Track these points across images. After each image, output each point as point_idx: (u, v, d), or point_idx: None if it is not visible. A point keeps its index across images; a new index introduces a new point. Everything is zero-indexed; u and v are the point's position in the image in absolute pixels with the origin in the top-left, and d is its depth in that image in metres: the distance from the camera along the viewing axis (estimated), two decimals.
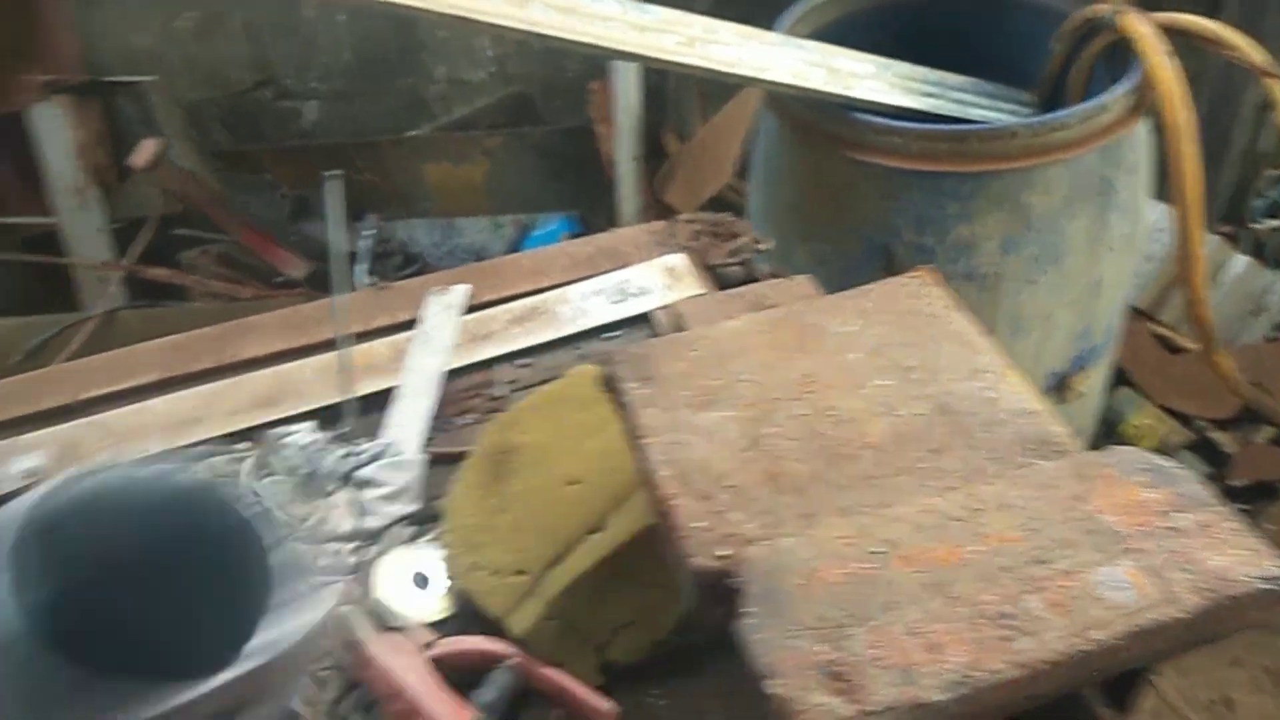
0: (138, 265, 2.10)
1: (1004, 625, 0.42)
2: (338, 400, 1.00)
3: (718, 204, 2.18)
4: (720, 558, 0.53)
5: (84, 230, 2.18)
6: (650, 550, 0.76)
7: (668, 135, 2.44)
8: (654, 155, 2.41)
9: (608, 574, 0.76)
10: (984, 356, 0.62)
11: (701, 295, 0.75)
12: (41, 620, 0.29)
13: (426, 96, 2.56)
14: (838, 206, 1.58)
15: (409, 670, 0.73)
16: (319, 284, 2.39)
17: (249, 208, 2.38)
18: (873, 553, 0.45)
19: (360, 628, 0.75)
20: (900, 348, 0.64)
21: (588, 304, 1.08)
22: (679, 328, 0.73)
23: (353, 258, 2.48)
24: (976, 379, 0.60)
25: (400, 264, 2.60)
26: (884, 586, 0.44)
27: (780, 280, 0.74)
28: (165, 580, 0.30)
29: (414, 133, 2.57)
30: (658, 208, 2.36)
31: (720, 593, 0.53)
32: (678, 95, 2.42)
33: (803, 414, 0.60)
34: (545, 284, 1.12)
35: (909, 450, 0.56)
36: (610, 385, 0.65)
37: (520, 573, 0.79)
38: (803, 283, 0.73)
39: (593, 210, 2.62)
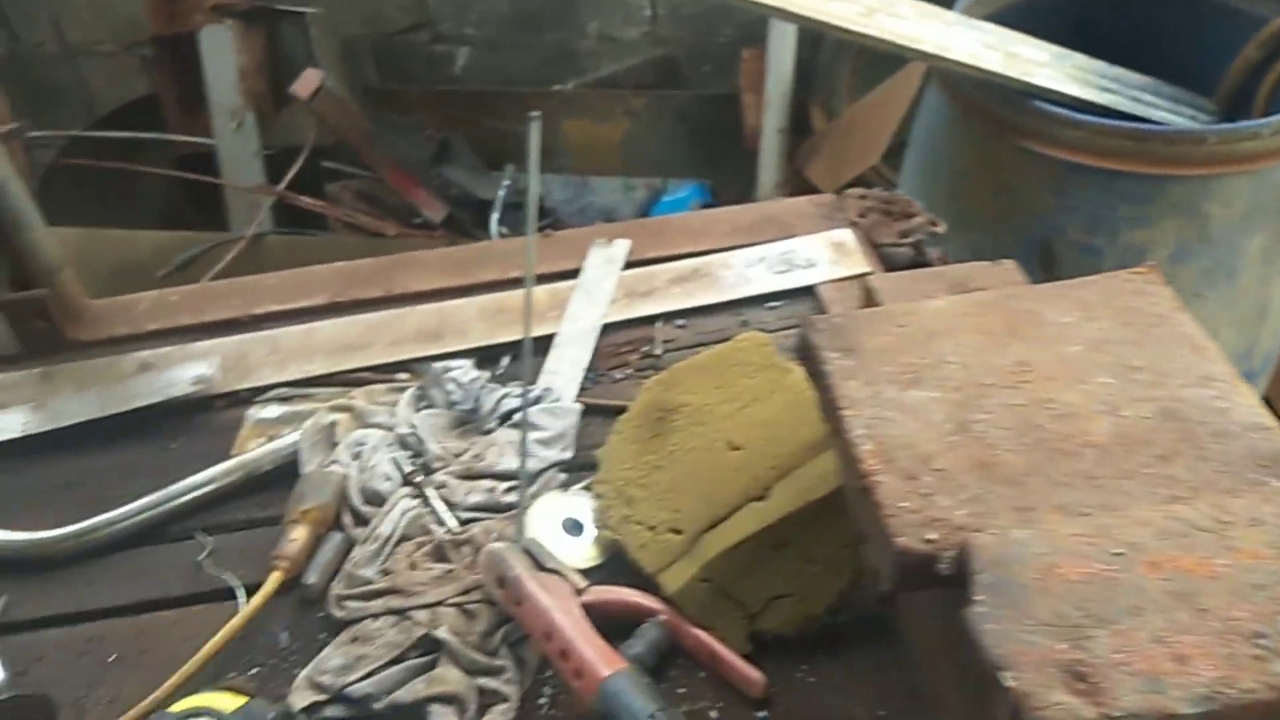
0: (288, 193, 2.15)
1: (1258, 644, 0.40)
2: (507, 341, 1.01)
3: (860, 185, 2.13)
4: (928, 541, 0.51)
5: (239, 154, 2.24)
6: (815, 525, 0.75)
7: (815, 110, 2.40)
8: (797, 130, 2.37)
9: (768, 544, 0.75)
10: (1214, 364, 0.58)
11: (896, 272, 0.73)
12: None
13: (576, 51, 2.56)
14: (1002, 197, 1.53)
15: (563, 612, 0.73)
16: (455, 228, 2.43)
17: (394, 147, 2.43)
18: (1115, 554, 0.43)
19: (516, 565, 0.76)
20: (1124, 345, 0.60)
21: (750, 271, 1.06)
22: (871, 303, 0.71)
23: (488, 206, 2.51)
24: (1207, 386, 0.57)
25: None
26: (1128, 591, 0.41)
27: (983, 264, 0.72)
28: None
29: (559, 87, 2.58)
30: (797, 183, 2.32)
31: (922, 577, 0.52)
32: (829, 70, 2.36)
33: (1017, 404, 0.58)
34: (707, 246, 1.11)
35: (1135, 453, 0.53)
36: (807, 353, 0.63)
37: (676, 531, 0.79)
38: (1009, 269, 0.71)
39: (726, 181, 2.59)
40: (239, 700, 0.72)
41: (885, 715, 0.71)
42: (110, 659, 0.80)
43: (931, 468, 0.55)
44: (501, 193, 2.47)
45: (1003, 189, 1.52)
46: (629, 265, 1.09)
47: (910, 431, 0.57)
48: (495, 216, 2.44)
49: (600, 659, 0.71)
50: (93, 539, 0.87)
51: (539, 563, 0.78)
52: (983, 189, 1.55)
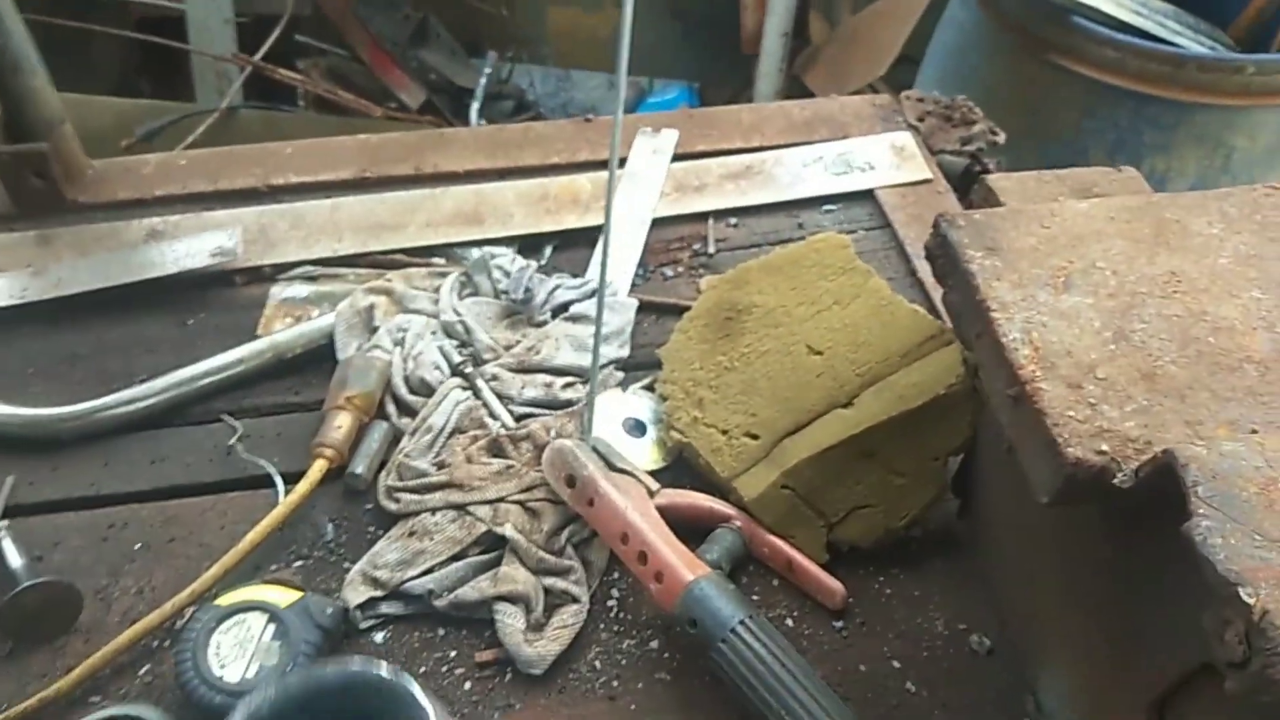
0: (264, 64, 2.01)
1: None
2: (551, 230, 0.95)
3: None
4: (1100, 453, 0.48)
5: (209, 20, 2.09)
6: (904, 436, 0.72)
7: (814, 17, 2.32)
8: (795, 35, 2.29)
9: (854, 453, 0.72)
10: None
11: (1018, 174, 0.68)
12: None
13: None
14: (1027, 116, 1.49)
15: (640, 514, 0.70)
16: (431, 113, 2.32)
17: (373, 23, 2.29)
18: None
19: (588, 463, 0.72)
20: (1273, 261, 0.58)
21: (806, 171, 1.01)
22: (990, 204, 0.67)
23: (466, 94, 2.40)
24: None
25: (511, 110, 2.51)
26: None
27: (1106, 170, 0.68)
28: None
29: None
30: (796, 92, 2.26)
31: (1093, 489, 0.49)
32: None
33: (1174, 314, 0.55)
34: (759, 143, 1.05)
35: None
36: (944, 251, 0.59)
37: (752, 436, 0.75)
38: (1133, 177, 0.67)
39: (718, 84, 2.51)
40: (290, 594, 0.68)
41: (965, 628, 0.70)
42: (135, 547, 0.74)
43: (1095, 377, 0.52)
44: (482, 81, 2.35)
45: (1029, 108, 1.49)
46: (676, 158, 1.03)
47: (1069, 338, 0.54)
48: (475, 106, 2.33)
49: (683, 563, 0.67)
50: (105, 417, 0.80)
51: (609, 462, 0.74)
52: (1009, 107, 1.50)
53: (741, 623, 0.64)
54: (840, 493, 0.72)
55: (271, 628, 0.65)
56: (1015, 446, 0.53)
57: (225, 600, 0.67)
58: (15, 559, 0.71)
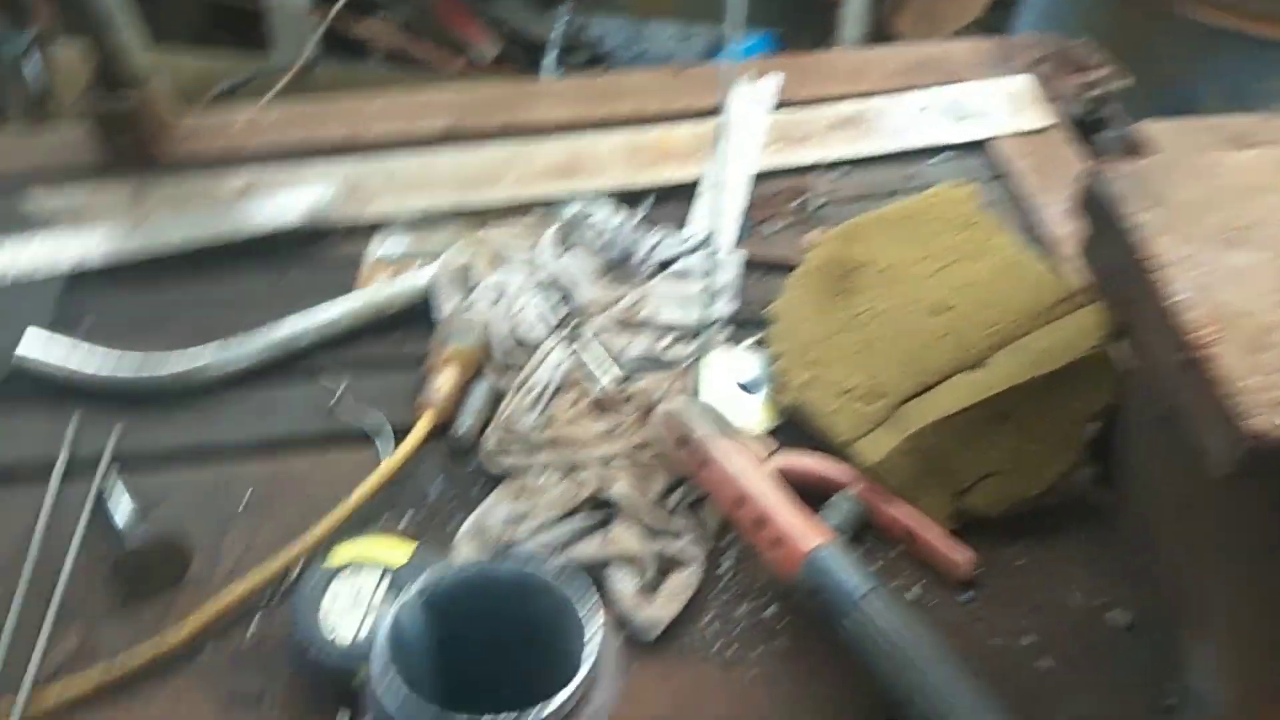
0: (342, 17, 1.99)
1: None
2: (648, 183, 0.92)
3: None
4: None
5: None
6: (1041, 400, 0.68)
7: None
8: None
9: (986, 417, 0.68)
10: None
11: (1171, 121, 0.64)
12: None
13: None
14: (1136, 61, 1.41)
15: (756, 478, 0.67)
16: (506, 66, 2.28)
17: None
18: None
19: (702, 424, 0.69)
20: None
21: (916, 119, 0.97)
22: (1136, 154, 0.62)
23: (540, 46, 2.36)
24: None
25: (585, 61, 2.46)
26: None
27: (1262, 118, 0.63)
28: (511, 650, 0.36)
29: None
30: (881, 38, 2.18)
31: (1276, 463, 0.45)
32: None
33: None
34: (863, 89, 1.01)
35: None
36: (1099, 204, 0.55)
37: (872, 398, 0.72)
38: None
39: (797, 31, 2.43)
40: (402, 550, 0.66)
41: (1106, 602, 0.66)
42: (242, 501, 0.73)
43: (1276, 341, 0.48)
44: (557, 32, 2.31)
45: (1137, 53, 1.41)
46: (778, 106, 0.99)
47: (1244, 298, 0.49)
48: (550, 57, 2.29)
49: (804, 529, 0.65)
50: (210, 372, 0.80)
51: (722, 423, 0.71)
52: (1115, 52, 1.43)
53: (870, 593, 0.62)
54: (970, 458, 0.69)
55: (385, 585, 0.64)
56: (1183, 415, 0.49)
57: (337, 556, 0.66)
58: (125, 511, 0.71)
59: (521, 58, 2.36)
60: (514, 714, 0.28)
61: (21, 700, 0.63)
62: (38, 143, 0.99)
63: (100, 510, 0.72)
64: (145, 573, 0.68)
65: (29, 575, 0.69)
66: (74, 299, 0.86)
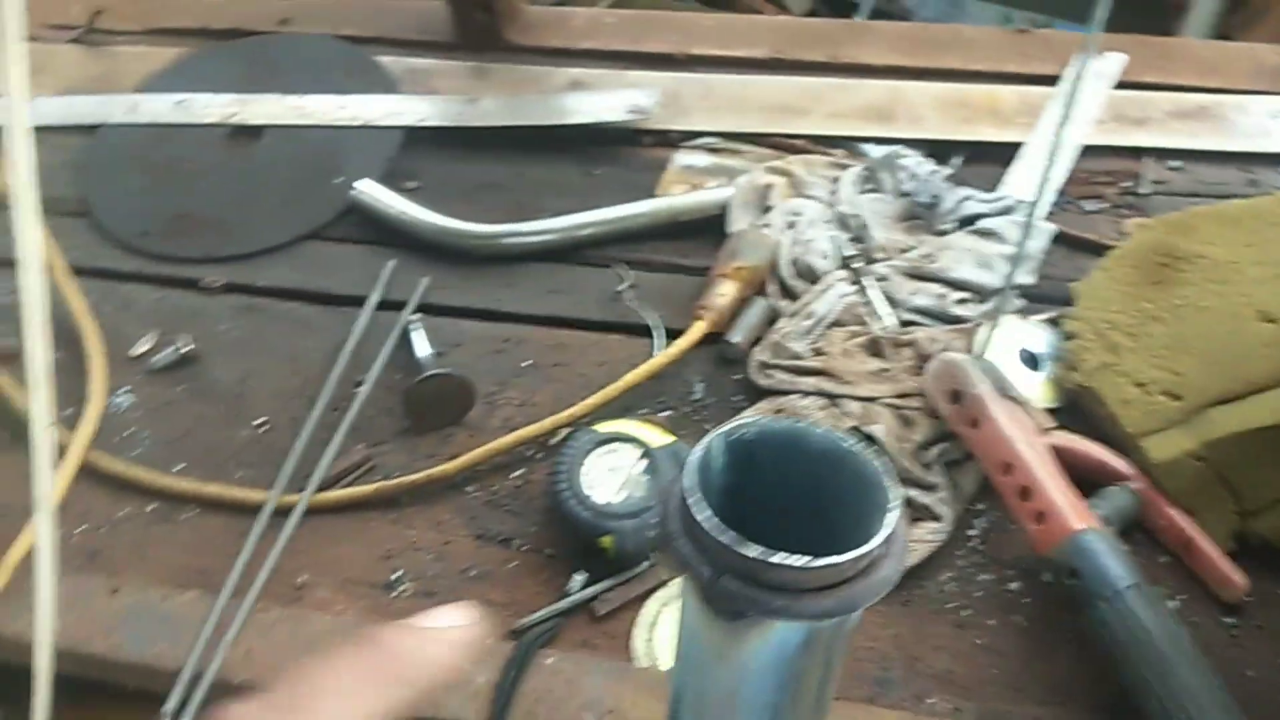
0: None
1: None
2: (964, 140, 0.89)
3: None
4: None
5: None
6: None
7: None
8: None
9: None
10: None
11: None
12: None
13: None
14: None
15: (1029, 447, 0.65)
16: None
17: None
18: None
19: (979, 382, 0.68)
20: None
21: (1274, 124, 0.88)
22: None
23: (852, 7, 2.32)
24: None
25: None
26: None
27: None
28: (797, 516, 0.34)
29: None
30: None
31: None
32: None
33: None
34: (1218, 84, 0.93)
35: None
36: None
37: (1172, 396, 0.68)
38: None
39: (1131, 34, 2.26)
40: (661, 436, 0.69)
41: None
42: (524, 363, 0.79)
43: None
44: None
45: None
46: (1119, 85, 0.93)
47: None
48: (859, 19, 2.25)
49: (1072, 509, 0.62)
50: (513, 243, 0.85)
51: (1001, 386, 0.69)
52: None
53: (1132, 586, 0.59)
54: (1266, 479, 0.63)
55: (643, 462, 0.67)
56: None
57: (601, 427, 0.70)
58: (424, 348, 0.78)
59: (830, 16, 2.34)
60: (806, 558, 0.29)
61: (308, 493, 0.70)
62: (394, 12, 1.08)
63: (402, 345, 0.80)
64: (432, 406, 0.74)
65: (332, 388, 0.77)
66: (406, 158, 0.94)
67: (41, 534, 0.57)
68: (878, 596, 0.34)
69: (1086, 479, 0.67)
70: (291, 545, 0.69)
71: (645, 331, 0.79)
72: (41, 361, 0.62)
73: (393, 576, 0.67)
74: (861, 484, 0.37)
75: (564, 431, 0.73)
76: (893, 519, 0.35)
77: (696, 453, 0.38)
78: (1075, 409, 0.72)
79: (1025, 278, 0.79)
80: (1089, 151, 0.89)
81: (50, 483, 0.60)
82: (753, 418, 0.39)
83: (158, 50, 1.06)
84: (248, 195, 0.91)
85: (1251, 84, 0.92)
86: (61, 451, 0.73)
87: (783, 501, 0.41)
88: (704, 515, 0.32)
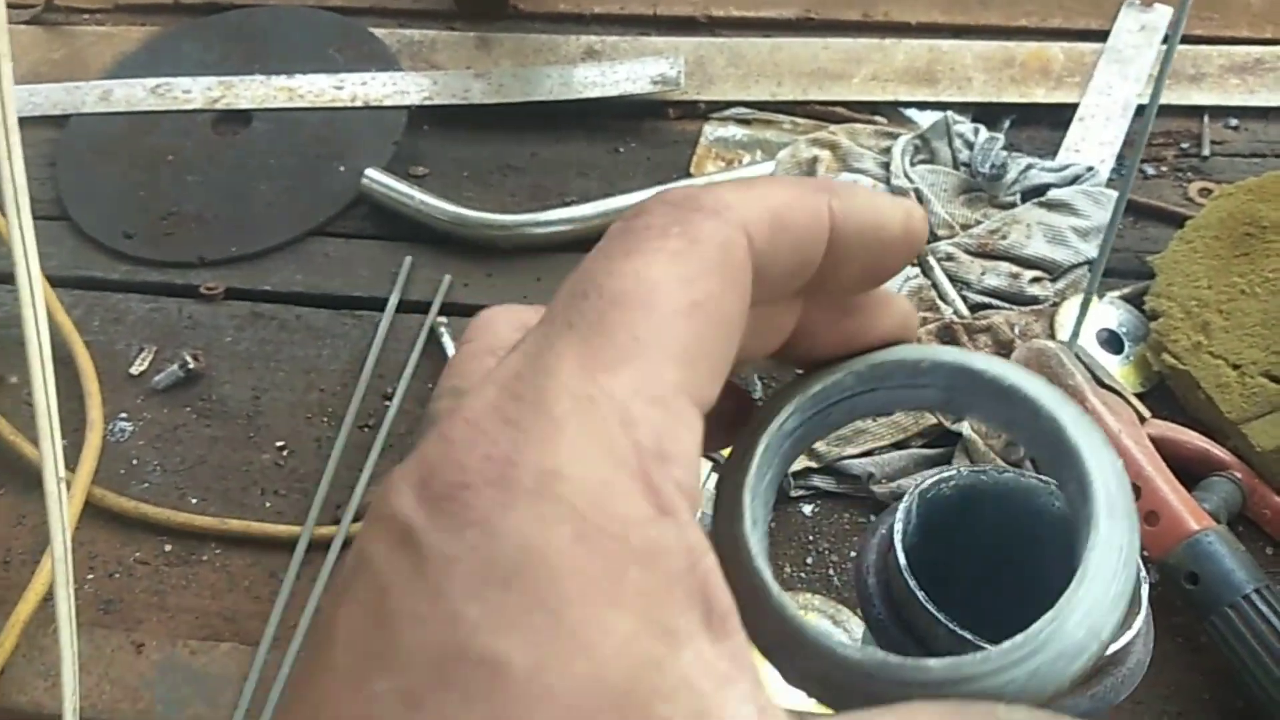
0: None
1: None
2: (1013, 102, 0.84)
3: None
4: None
5: None
6: None
7: None
8: None
9: None
10: None
11: None
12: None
13: None
14: None
15: (1133, 441, 0.61)
16: None
17: None
18: None
19: (1075, 371, 0.63)
20: None
21: None
22: None
23: None
24: None
25: None
26: None
27: None
28: (1007, 567, 0.31)
29: None
30: None
31: None
32: None
33: None
34: (1270, 35, 0.88)
35: None
36: None
37: (1273, 378, 0.63)
38: None
39: None
40: None
41: None
42: None
43: None
44: None
45: None
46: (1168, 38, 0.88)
47: None
48: None
49: (1187, 508, 0.58)
50: (540, 233, 0.79)
51: (1095, 375, 0.64)
52: None
53: (1258, 590, 0.55)
54: None
55: (714, 476, 0.62)
56: None
57: None
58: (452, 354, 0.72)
59: None
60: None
61: (345, 523, 0.64)
62: None
63: (430, 350, 0.73)
64: None
65: (358, 403, 0.70)
66: (411, 142, 0.86)
67: (61, 610, 0.50)
68: (1131, 689, 0.29)
69: (1186, 469, 0.63)
70: (331, 584, 0.63)
71: None
72: (48, 409, 0.55)
73: None
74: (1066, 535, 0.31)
75: None
76: (1143, 596, 0.30)
77: (897, 526, 0.33)
78: (1163, 393, 0.68)
79: (1095, 251, 0.74)
80: (1143, 112, 0.84)
81: (66, 552, 0.53)
82: (949, 472, 0.34)
83: (126, 29, 0.96)
84: (241, 188, 0.83)
85: None
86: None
87: (974, 551, 0.36)
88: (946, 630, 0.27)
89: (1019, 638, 0.19)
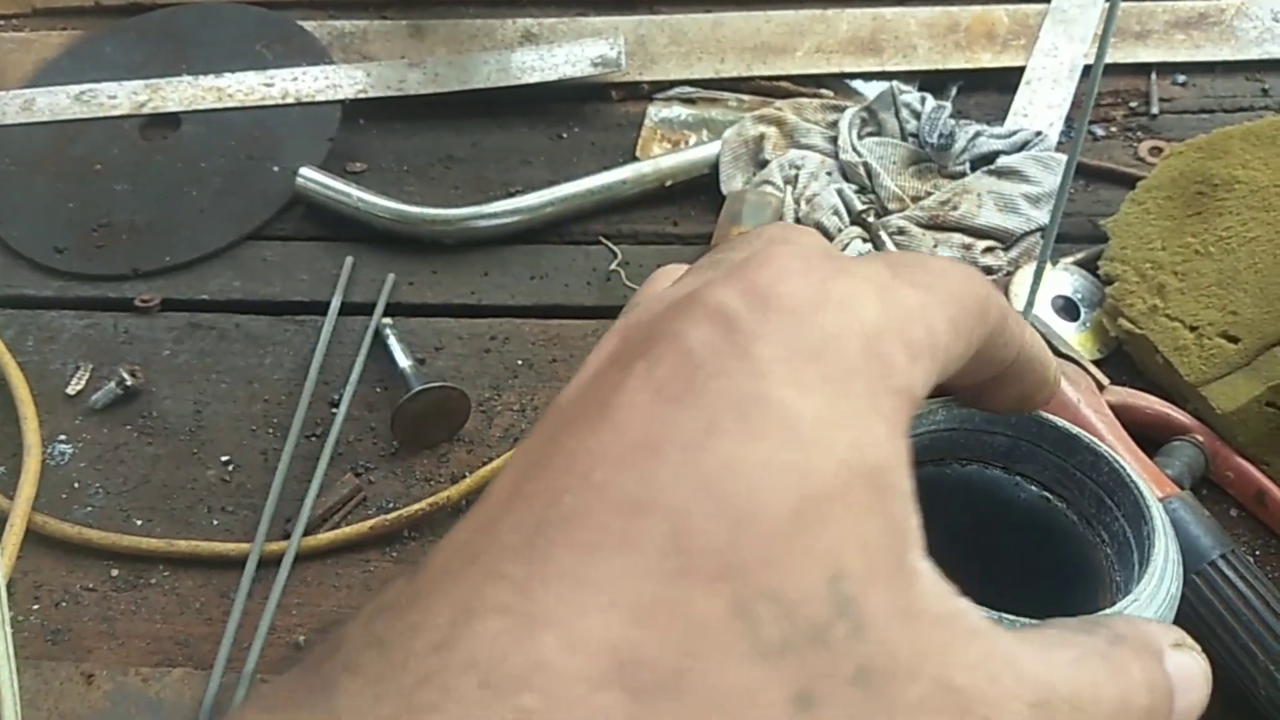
0: None
1: None
2: (958, 68, 0.82)
3: None
4: None
5: None
6: None
7: None
8: None
9: None
10: None
11: None
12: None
13: None
14: None
15: (1093, 410, 0.60)
16: None
17: None
18: None
19: None
20: None
21: (1275, 29, 0.83)
22: None
23: None
24: None
25: None
26: None
27: None
28: (973, 558, 0.28)
29: None
30: None
31: None
32: None
33: None
34: None
35: None
36: None
37: (1230, 338, 0.63)
38: None
39: None
40: None
41: None
42: (518, 362, 0.71)
43: None
44: None
45: None
46: None
47: None
48: None
49: (1148, 476, 0.57)
50: (486, 226, 0.77)
51: (1052, 346, 0.63)
52: None
53: (1223, 556, 0.54)
54: None
55: None
56: None
57: None
58: (403, 359, 0.70)
59: None
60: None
61: (295, 538, 0.62)
62: None
63: (376, 353, 0.71)
64: (423, 423, 0.66)
65: (304, 412, 0.68)
66: (348, 137, 0.84)
67: None
68: None
69: (1146, 435, 0.62)
70: (284, 601, 0.61)
71: None
72: None
73: None
74: (1126, 494, 0.32)
75: None
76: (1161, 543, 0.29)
77: None
78: (1121, 358, 0.67)
79: (1046, 217, 0.73)
80: (1089, 73, 0.83)
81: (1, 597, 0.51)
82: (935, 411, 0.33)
83: (45, 35, 0.92)
84: (174, 195, 0.81)
85: None
86: (0, 520, 0.64)
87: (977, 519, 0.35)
88: None
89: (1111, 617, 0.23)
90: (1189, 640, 0.23)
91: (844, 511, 0.17)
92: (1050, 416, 0.30)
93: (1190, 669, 0.22)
